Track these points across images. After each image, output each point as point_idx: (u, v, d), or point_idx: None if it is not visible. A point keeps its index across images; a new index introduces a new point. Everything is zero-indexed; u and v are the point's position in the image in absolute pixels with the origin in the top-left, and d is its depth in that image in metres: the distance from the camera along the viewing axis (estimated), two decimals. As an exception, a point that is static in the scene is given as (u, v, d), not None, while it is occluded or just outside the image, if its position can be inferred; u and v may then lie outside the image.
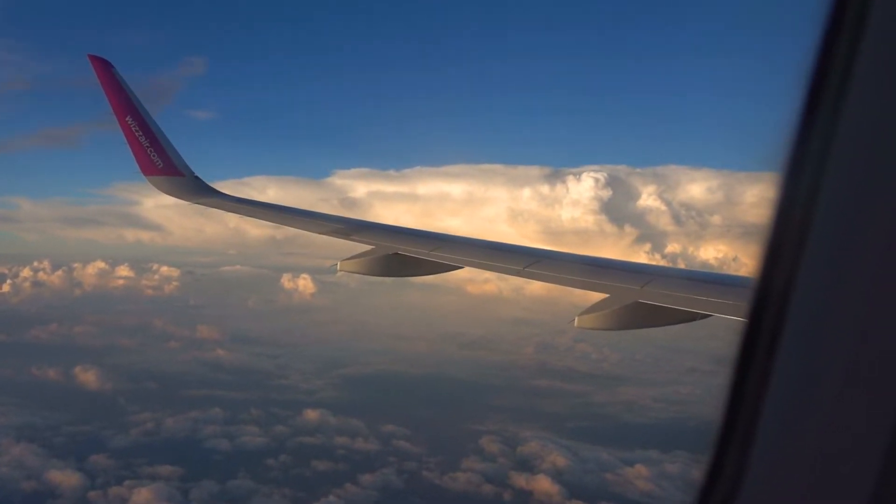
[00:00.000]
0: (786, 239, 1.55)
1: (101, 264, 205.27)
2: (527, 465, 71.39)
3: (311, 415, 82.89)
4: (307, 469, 69.00)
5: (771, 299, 1.55)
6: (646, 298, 6.86)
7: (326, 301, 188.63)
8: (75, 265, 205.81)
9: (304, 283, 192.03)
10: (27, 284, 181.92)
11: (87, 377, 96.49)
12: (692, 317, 6.76)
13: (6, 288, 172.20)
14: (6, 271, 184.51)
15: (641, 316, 6.88)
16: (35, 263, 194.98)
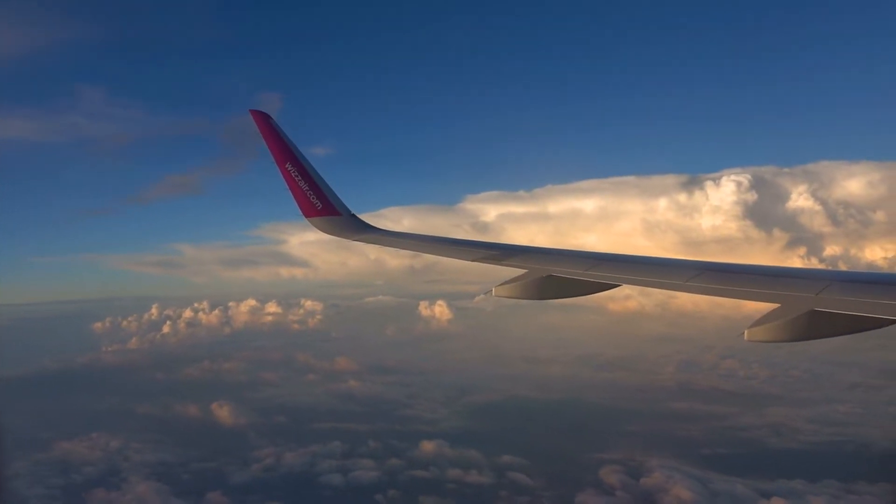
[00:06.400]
0: None
1: (252, 302, 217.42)
2: (648, 499, 65.62)
3: (428, 446, 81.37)
4: (413, 505, 67.28)
5: None
6: (823, 306, 6.30)
7: (463, 327, 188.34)
8: (231, 304, 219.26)
9: (441, 311, 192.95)
10: (185, 325, 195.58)
11: (223, 413, 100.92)
12: (880, 323, 6.15)
13: (167, 329, 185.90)
14: (171, 313, 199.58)
15: (820, 326, 6.33)
16: (196, 304, 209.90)
